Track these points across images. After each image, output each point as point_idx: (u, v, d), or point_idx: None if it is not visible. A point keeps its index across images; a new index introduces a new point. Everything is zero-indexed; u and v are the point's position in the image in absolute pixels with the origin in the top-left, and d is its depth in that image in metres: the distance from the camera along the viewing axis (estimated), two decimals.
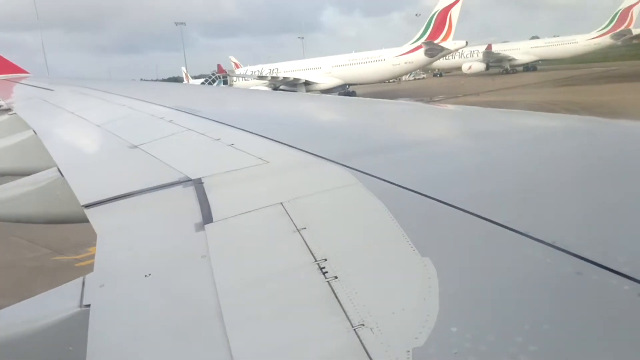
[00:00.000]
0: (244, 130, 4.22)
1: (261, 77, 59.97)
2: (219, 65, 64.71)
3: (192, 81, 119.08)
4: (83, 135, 5.69)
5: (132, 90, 9.05)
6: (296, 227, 2.14)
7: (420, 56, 56.68)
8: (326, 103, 7.15)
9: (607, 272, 1.47)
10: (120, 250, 2.38)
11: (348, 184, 2.55)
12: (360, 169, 2.69)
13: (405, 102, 6.64)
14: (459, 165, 2.84)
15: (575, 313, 1.36)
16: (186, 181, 3.03)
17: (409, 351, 1.29)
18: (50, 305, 2.01)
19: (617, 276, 1.45)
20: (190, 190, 2.86)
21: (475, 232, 1.88)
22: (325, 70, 61.14)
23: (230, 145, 3.74)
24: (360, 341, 1.37)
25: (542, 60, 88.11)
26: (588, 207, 2.06)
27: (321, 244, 1.97)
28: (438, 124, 4.55)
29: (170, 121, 5.16)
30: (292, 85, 60.20)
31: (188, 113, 5.47)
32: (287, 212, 2.30)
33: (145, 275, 1.99)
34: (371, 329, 1.41)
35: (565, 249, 1.62)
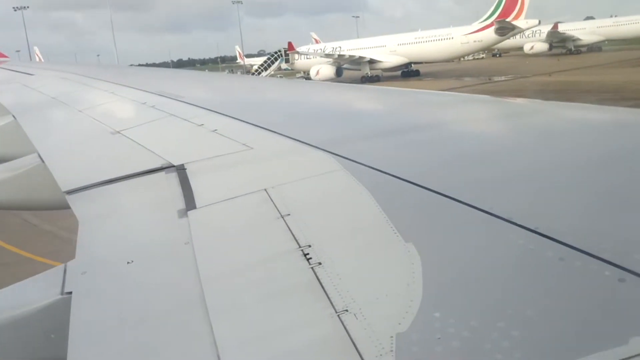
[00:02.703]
0: (228, 116, 4.19)
1: (328, 55, 60.51)
2: (289, 43, 65.28)
3: (247, 60, 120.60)
4: (64, 120, 5.65)
5: (115, 76, 9.02)
6: (280, 213, 2.14)
7: (490, 35, 56.12)
8: (311, 90, 7.04)
9: (589, 257, 1.49)
10: (103, 236, 2.38)
11: (332, 170, 2.55)
12: (344, 156, 2.68)
13: (392, 88, 6.39)
14: (443, 152, 2.84)
15: (558, 299, 1.39)
16: (169, 167, 3.02)
17: (392, 337, 1.31)
18: (31, 293, 2.02)
19: (599, 262, 1.46)
20: (173, 177, 2.84)
21: (459, 218, 1.90)
22: (390, 48, 61.23)
23: (213, 131, 3.72)
24: (344, 327, 1.38)
25: (608, 40, 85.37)
26: (571, 193, 2.08)
27: (305, 230, 1.97)
28: (423, 111, 4.54)
29: (153, 107, 5.13)
30: (357, 63, 60.57)
31: (171, 99, 5.40)
32: (271, 199, 2.30)
33: (128, 262, 1.98)
34: (355, 314, 1.42)
35: (548, 235, 1.64)
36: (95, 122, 4.94)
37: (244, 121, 3.93)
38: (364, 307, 1.46)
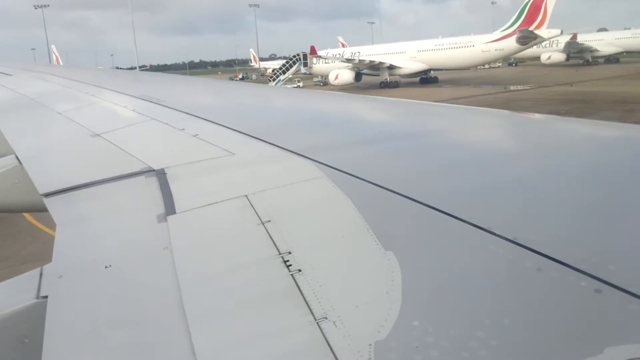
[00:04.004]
0: (209, 121, 4.16)
1: (348, 60, 60.67)
2: (312, 47, 65.49)
3: (262, 63, 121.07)
4: (43, 122, 5.52)
5: (97, 78, 8.86)
6: (261, 219, 2.13)
7: (511, 44, 56.15)
8: (294, 97, 6.97)
9: (566, 268, 1.51)
10: (80, 240, 2.34)
11: (314, 177, 2.55)
12: (326, 163, 2.68)
13: (374, 97, 6.42)
14: (425, 161, 2.85)
15: (535, 309, 1.40)
16: (149, 171, 3.00)
17: (371, 344, 1.32)
18: (6, 296, 1.97)
19: (576, 272, 1.49)
20: (153, 181, 2.83)
21: (438, 227, 1.91)
22: (409, 54, 61.32)
23: (194, 135, 3.69)
24: (323, 334, 1.38)
25: (626, 52, 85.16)
26: (550, 205, 2.10)
27: (286, 237, 1.97)
28: (405, 120, 4.52)
29: (134, 110, 5.10)
30: (376, 69, 60.70)
31: (153, 102, 5.36)
32: (251, 205, 2.30)
33: (106, 267, 1.96)
34: (334, 322, 1.43)
35: (527, 245, 1.66)
36: (74, 124, 4.85)
37: (225, 127, 3.90)
38: (343, 314, 1.46)
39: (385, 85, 59.21)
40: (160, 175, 2.90)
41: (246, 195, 2.40)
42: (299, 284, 1.63)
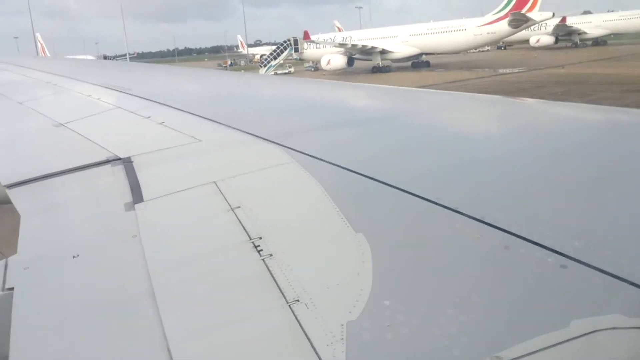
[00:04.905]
0: (176, 108, 4.14)
1: (341, 45, 60.40)
2: (305, 32, 65.05)
3: (250, 49, 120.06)
4: (4, 112, 5.43)
5: (59, 67, 8.80)
6: (230, 206, 2.13)
7: (503, 27, 56.22)
8: (263, 83, 7.04)
9: (533, 245, 1.56)
10: (46, 231, 2.32)
11: (282, 162, 2.55)
12: (295, 148, 2.69)
13: (343, 82, 6.42)
14: (393, 144, 2.86)
15: (503, 285, 1.45)
16: (115, 160, 2.97)
17: (343, 325, 1.34)
18: None
19: (542, 249, 1.53)
20: (120, 170, 2.81)
21: (408, 208, 1.95)
22: (402, 39, 61.18)
23: (161, 123, 3.68)
24: (295, 317, 1.40)
25: (614, 34, 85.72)
26: (515, 184, 2.14)
27: (256, 222, 1.97)
28: (374, 104, 4.56)
29: (99, 99, 5.06)
30: (369, 53, 60.50)
31: (117, 91, 5.33)
32: (220, 191, 2.30)
33: (73, 257, 1.94)
34: (306, 304, 1.44)
35: (494, 224, 1.70)
36: (37, 114, 4.78)
37: (192, 113, 3.90)
38: (315, 297, 1.48)
39: (377, 70, 59.08)
40: (127, 163, 2.89)
41: (215, 182, 2.40)
42: (270, 269, 1.65)
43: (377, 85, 6.03)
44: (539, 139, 2.87)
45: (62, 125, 4.08)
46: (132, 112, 4.23)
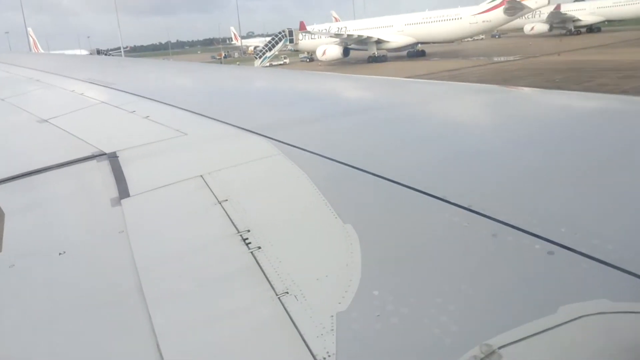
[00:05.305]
0: (161, 102, 4.13)
1: (337, 35, 60.24)
2: (301, 22, 64.82)
3: (245, 41, 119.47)
4: None
5: (42, 63, 8.79)
6: (217, 199, 2.13)
7: (499, 15, 56.18)
8: (247, 75, 7.04)
9: (520, 232, 1.58)
10: (31, 228, 2.30)
11: (270, 154, 2.55)
12: (282, 140, 2.69)
13: (326, 73, 6.51)
14: (380, 134, 2.89)
15: (491, 272, 1.46)
16: (100, 155, 2.95)
17: (332, 316, 1.34)
18: None
19: (529, 236, 1.55)
20: (105, 165, 2.79)
21: (395, 198, 1.96)
22: (397, 28, 61.07)
23: (146, 117, 3.68)
24: (285, 309, 1.40)
25: (608, 20, 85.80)
26: (502, 172, 2.17)
27: (244, 215, 1.97)
28: (359, 95, 4.59)
29: (83, 94, 5.03)
30: (364, 43, 60.39)
31: (102, 86, 5.32)
32: (207, 185, 2.29)
33: (60, 254, 1.93)
34: (295, 296, 1.45)
35: (482, 212, 1.72)
36: (20, 110, 4.76)
37: (178, 107, 3.89)
38: (304, 288, 1.49)
39: (373, 60, 58.99)
40: (113, 158, 2.87)
41: (201, 176, 2.40)
42: (259, 261, 1.65)
43: (365, 76, 6.03)
44: (526, 127, 2.89)
45: (46, 121, 4.05)
46: (116, 107, 4.21)
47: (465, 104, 3.69)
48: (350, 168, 2.24)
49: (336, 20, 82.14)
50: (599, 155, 2.29)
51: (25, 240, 2.19)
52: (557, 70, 37.94)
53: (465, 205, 1.77)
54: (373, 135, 2.90)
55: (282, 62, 70.18)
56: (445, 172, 2.22)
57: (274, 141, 2.71)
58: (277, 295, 1.47)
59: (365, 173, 2.17)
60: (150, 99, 4.32)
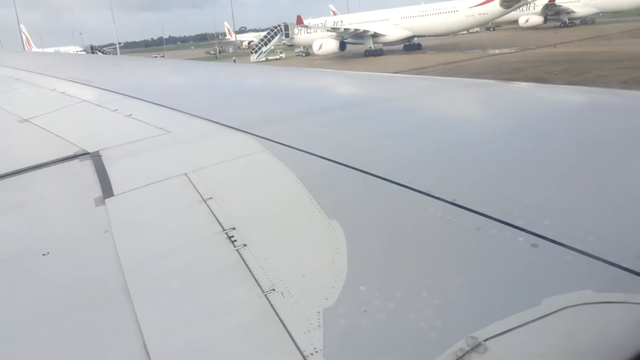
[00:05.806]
0: (143, 100, 4.09)
1: (334, 29, 60.26)
2: (298, 17, 64.76)
3: (238, 36, 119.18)
4: None
5: (21, 61, 8.67)
6: (202, 197, 2.12)
7: (495, 7, 56.37)
8: (232, 72, 6.97)
9: (504, 225, 1.58)
10: (13, 229, 2.26)
11: (254, 151, 2.54)
12: (266, 137, 2.68)
13: (310, 69, 6.42)
14: (364, 130, 2.90)
15: (476, 266, 1.47)
16: (83, 154, 2.92)
17: (319, 312, 1.34)
18: None
19: (513, 229, 1.55)
20: (88, 164, 2.76)
21: (380, 193, 1.97)
22: (393, 22, 61.17)
23: (128, 115, 3.63)
24: (272, 306, 1.40)
25: (602, 12, 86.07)
26: (485, 166, 2.18)
27: (229, 213, 1.96)
28: (344, 91, 4.56)
29: (64, 93, 4.95)
30: (360, 37, 60.48)
31: (83, 84, 5.23)
32: (192, 183, 2.28)
33: (43, 254, 1.90)
34: (282, 293, 1.45)
35: (465, 206, 1.72)
36: None
37: (161, 105, 3.85)
38: (290, 285, 1.49)
39: (369, 54, 59.11)
40: (95, 157, 2.84)
41: (186, 174, 2.39)
42: (245, 259, 1.65)
43: (352, 72, 6.02)
44: (509, 121, 2.93)
45: (27, 120, 3.99)
46: (98, 106, 4.16)
47: (450, 99, 3.70)
48: (336, 164, 2.25)
49: (334, 13, 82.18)
50: (582, 148, 2.31)
51: (7, 241, 2.14)
52: (554, 62, 38.14)
53: (450, 200, 1.79)
54: (358, 131, 2.90)
55: (278, 57, 70.15)
56: (429, 167, 2.25)
57: (259, 138, 2.70)
58: (263, 292, 1.47)
59: (350, 169, 2.18)
60: (133, 97, 4.28)
